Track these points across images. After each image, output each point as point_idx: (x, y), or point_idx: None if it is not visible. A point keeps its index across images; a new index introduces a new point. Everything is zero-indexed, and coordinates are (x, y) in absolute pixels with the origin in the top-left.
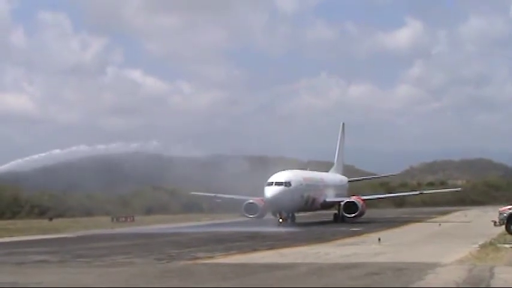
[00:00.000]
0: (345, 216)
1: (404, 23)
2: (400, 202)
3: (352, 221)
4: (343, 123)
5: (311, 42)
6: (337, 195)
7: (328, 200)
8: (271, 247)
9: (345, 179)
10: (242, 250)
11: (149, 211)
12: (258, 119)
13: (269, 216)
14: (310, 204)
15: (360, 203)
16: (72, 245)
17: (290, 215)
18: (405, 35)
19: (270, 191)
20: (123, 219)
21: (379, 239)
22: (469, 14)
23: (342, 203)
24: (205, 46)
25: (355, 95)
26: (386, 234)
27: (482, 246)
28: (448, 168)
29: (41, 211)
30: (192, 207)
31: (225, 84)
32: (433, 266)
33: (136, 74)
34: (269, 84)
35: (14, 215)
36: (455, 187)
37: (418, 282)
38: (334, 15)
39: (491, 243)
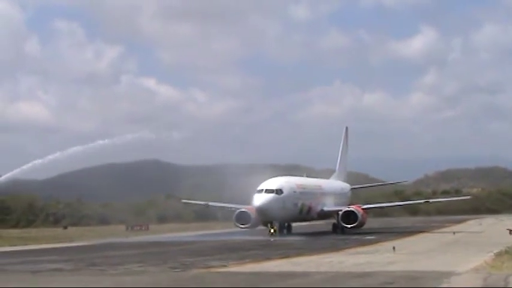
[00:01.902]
0: (344, 227)
1: (418, 30)
2: (414, 211)
3: (352, 232)
4: (347, 128)
5: (325, 51)
6: (338, 204)
7: (326, 209)
8: (285, 256)
9: (346, 186)
10: (255, 259)
11: (163, 220)
12: (271, 127)
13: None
14: (306, 214)
15: (359, 213)
16: (87, 253)
17: (286, 225)
18: (419, 43)
19: (259, 199)
20: (138, 227)
21: (394, 248)
22: (483, 21)
23: (340, 213)
24: (219, 55)
25: (369, 103)
26: (400, 242)
27: (498, 255)
28: (462, 177)
29: (56, 219)
30: (206, 215)
31: (238, 92)
32: (448, 274)
33: (150, 83)
34: (283, 92)
35: (29, 224)
36: (470, 195)
37: None
38: (348, 23)
39: (506, 252)
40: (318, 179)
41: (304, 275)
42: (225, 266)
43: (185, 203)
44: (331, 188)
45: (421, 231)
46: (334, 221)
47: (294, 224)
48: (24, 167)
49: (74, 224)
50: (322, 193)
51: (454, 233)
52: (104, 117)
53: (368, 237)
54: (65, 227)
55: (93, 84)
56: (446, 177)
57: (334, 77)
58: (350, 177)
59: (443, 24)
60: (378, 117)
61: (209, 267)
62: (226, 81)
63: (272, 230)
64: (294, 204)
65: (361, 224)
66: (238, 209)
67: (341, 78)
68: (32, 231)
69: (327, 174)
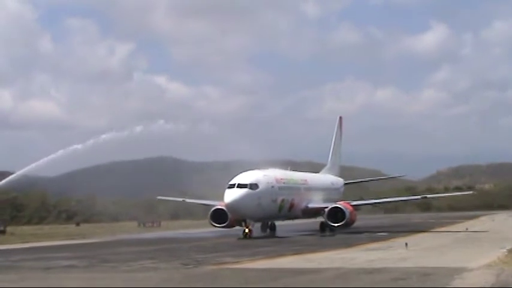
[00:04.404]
0: (330, 225)
1: (429, 26)
2: (426, 207)
3: (340, 231)
4: (340, 117)
5: (337, 47)
6: (327, 200)
7: (311, 205)
8: (298, 252)
9: (338, 181)
10: (268, 255)
11: (175, 216)
12: (283, 123)
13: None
14: (287, 211)
15: (347, 210)
16: (99, 250)
17: (270, 223)
18: (430, 38)
19: (229, 195)
20: (150, 224)
21: (406, 244)
22: (495, 17)
23: (326, 210)
24: (231, 51)
25: (381, 99)
26: (412, 239)
27: (511, 251)
28: (474, 173)
29: (68, 216)
30: None
31: (250, 88)
32: (460, 270)
33: (162, 80)
34: (295, 88)
35: (41, 220)
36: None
37: (444, 287)
38: (359, 19)
39: None
40: (304, 173)
41: (317, 271)
42: (237, 262)
43: (160, 200)
44: (318, 182)
45: (433, 227)
46: (322, 219)
47: (282, 223)
48: (34, 164)
49: (86, 221)
50: (307, 188)
51: (466, 229)
52: (116, 114)
53: (380, 234)
54: (78, 224)
55: (105, 81)
56: (459, 173)
57: (345, 73)
58: (363, 173)
59: (456, 20)
60: (390, 113)
61: (221, 263)
62: (238, 78)
63: (247, 230)
64: (272, 200)
65: (350, 223)
66: (214, 205)
67: (353, 74)
68: (45, 228)
69: (341, 170)
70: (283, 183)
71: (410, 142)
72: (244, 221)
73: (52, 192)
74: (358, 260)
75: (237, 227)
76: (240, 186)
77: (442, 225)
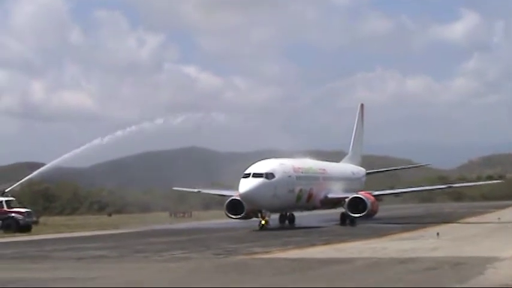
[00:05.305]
0: (351, 216)
1: (460, 14)
2: (458, 196)
3: (362, 222)
4: (362, 104)
5: (366, 36)
6: (348, 190)
7: (331, 195)
8: (328, 242)
9: (359, 170)
10: (299, 245)
11: (206, 207)
12: (313, 113)
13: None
14: (305, 202)
15: (369, 200)
16: (131, 240)
17: (288, 214)
18: (462, 27)
19: (244, 185)
20: (181, 214)
21: (438, 234)
22: None
23: (347, 200)
24: (261, 42)
25: (411, 89)
26: (444, 228)
27: None
28: (506, 162)
29: (100, 207)
30: None
31: (280, 79)
32: (492, 260)
33: (192, 71)
34: (324, 79)
35: (73, 211)
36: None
37: (477, 276)
38: (389, 8)
39: None
40: (323, 162)
41: (348, 261)
42: (268, 252)
43: (176, 190)
44: (338, 171)
45: (465, 217)
46: (343, 210)
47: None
48: (66, 155)
49: (118, 212)
50: (326, 177)
51: (498, 218)
52: (146, 105)
53: (412, 224)
54: (110, 214)
55: (135, 73)
56: (491, 162)
57: (375, 62)
58: (395, 163)
59: (487, 8)
60: (420, 103)
61: (252, 253)
62: (268, 68)
63: (263, 222)
64: (289, 190)
65: (371, 213)
66: (231, 196)
67: (382, 64)
68: (77, 219)
69: (368, 160)
70: (301, 172)
71: (441, 131)
72: (260, 212)
73: (84, 183)
74: (390, 250)
75: (254, 218)
76: (256, 175)
77: (473, 214)
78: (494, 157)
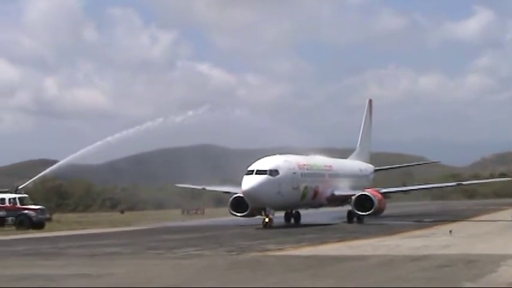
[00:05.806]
0: (357, 214)
1: (473, 11)
2: (471, 194)
3: (368, 220)
4: (370, 100)
5: (379, 33)
6: (355, 188)
7: (337, 193)
8: (341, 239)
9: (367, 167)
10: (312, 242)
11: (219, 204)
12: (325, 110)
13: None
14: (310, 199)
15: (376, 198)
16: (144, 237)
17: (294, 212)
18: (475, 23)
19: (246, 182)
20: (194, 211)
21: (451, 231)
22: None
23: (353, 198)
24: (273, 39)
25: (424, 86)
26: (457, 226)
27: None
28: None
29: (113, 204)
30: None
31: (292, 76)
32: (505, 258)
33: (204, 68)
34: (337, 76)
35: (86, 208)
36: None
37: (490, 274)
38: (402, 4)
39: None
40: (329, 158)
41: (361, 258)
42: (281, 249)
43: (180, 187)
44: (345, 168)
45: (478, 214)
46: (349, 207)
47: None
48: (79, 152)
49: (130, 209)
50: (332, 174)
51: None
52: (159, 102)
53: (425, 221)
54: (122, 212)
55: (148, 70)
56: (505, 159)
57: (388, 60)
58: (409, 160)
59: (500, 4)
60: (433, 100)
61: (265, 250)
62: (280, 66)
63: (267, 220)
64: (293, 187)
65: (378, 211)
66: (235, 193)
67: (395, 61)
68: (90, 216)
69: (382, 157)
70: (306, 169)
71: (455, 128)
72: (264, 209)
73: (97, 181)
74: (403, 247)
75: (259, 216)
76: (259, 172)
77: (486, 212)
78: (507, 154)
